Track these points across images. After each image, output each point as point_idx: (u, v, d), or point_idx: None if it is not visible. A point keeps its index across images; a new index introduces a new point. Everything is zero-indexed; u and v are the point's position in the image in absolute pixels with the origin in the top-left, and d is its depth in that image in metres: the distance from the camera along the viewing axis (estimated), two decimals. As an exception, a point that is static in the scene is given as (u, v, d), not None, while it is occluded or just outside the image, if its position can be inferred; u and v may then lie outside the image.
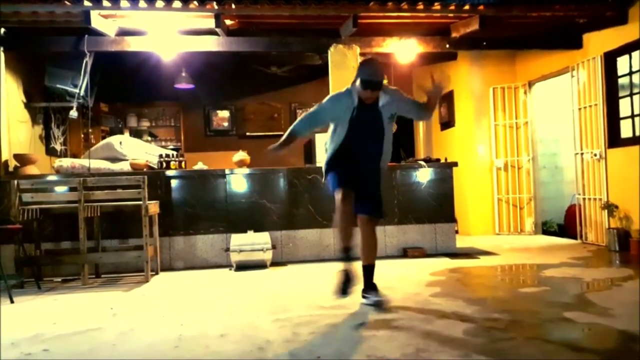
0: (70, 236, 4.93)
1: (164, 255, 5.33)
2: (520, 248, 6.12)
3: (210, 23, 5.31)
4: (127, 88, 8.21)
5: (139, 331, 3.14)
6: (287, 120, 9.10)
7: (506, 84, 7.45)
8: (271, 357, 2.61)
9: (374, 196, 3.57)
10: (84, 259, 4.68)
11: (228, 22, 5.56)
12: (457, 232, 6.46)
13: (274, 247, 5.26)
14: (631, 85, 5.68)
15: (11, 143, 5.59)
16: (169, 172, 5.47)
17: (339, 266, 3.42)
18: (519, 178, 7.39)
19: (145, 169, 5.52)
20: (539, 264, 5.01)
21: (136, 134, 8.66)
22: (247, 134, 8.94)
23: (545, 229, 7.43)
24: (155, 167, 5.61)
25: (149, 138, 8.76)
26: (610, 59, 5.86)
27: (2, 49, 5.51)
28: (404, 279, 4.25)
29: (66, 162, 5.58)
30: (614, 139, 5.84)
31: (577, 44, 6.30)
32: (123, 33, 5.61)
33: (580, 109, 6.32)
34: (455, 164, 5.96)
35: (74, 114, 5.71)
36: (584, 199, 6.34)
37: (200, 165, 5.82)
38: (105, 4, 4.84)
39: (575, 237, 6.57)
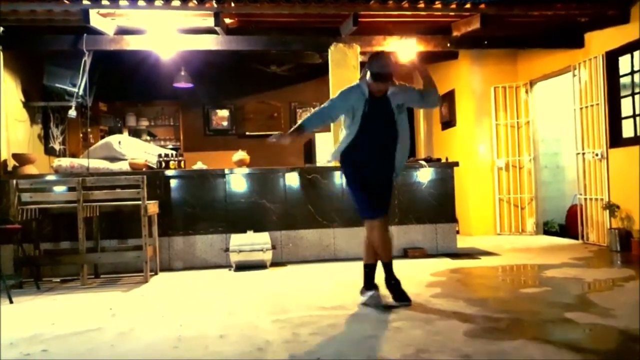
0: (69, 236, 4.92)
1: (163, 255, 5.31)
2: (522, 248, 6.10)
3: (210, 22, 5.30)
4: (126, 87, 8.20)
5: (138, 331, 3.13)
6: (287, 119, 9.09)
7: (507, 83, 7.43)
8: (271, 357, 2.59)
9: (388, 195, 3.63)
10: (83, 259, 4.67)
11: (227, 20, 5.54)
12: (458, 232, 6.44)
13: (273, 247, 5.24)
14: (633, 84, 5.66)
15: (10, 142, 5.58)
16: (168, 172, 5.45)
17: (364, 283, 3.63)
18: (520, 178, 7.37)
19: (144, 169, 5.50)
20: (540, 265, 4.99)
21: (135, 133, 8.65)
22: (247, 133, 8.92)
23: (547, 229, 7.41)
24: (155, 166, 5.59)
25: (148, 137, 8.75)
26: (612, 59, 5.84)
27: (0, 47, 5.49)
28: (405, 280, 4.19)
29: (65, 162, 5.56)
30: (615, 139, 5.82)
31: (579, 43, 6.28)
32: (122, 32, 5.59)
33: (581, 108, 6.30)
34: (456, 164, 5.94)
35: (72, 113, 5.69)
36: (585, 199, 6.32)
37: (199, 165, 5.80)
38: (104, 2, 4.82)
39: (576, 238, 6.55)
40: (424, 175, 5.78)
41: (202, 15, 5.31)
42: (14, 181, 4.64)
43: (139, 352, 2.74)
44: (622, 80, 5.81)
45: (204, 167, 5.78)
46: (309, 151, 8.18)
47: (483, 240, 6.74)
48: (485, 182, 7.49)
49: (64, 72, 5.91)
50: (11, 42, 5.56)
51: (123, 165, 5.56)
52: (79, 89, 5.84)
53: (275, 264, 5.30)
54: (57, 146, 6.90)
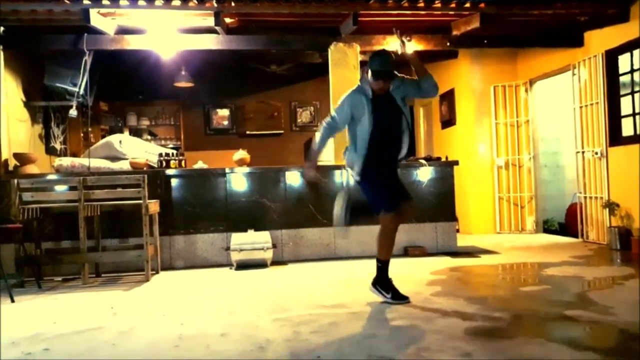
0: (71, 235, 4.92)
1: (164, 254, 5.32)
2: (521, 247, 6.11)
3: (210, 21, 5.30)
4: (127, 87, 8.20)
5: (139, 330, 3.13)
6: (287, 118, 9.10)
7: (507, 82, 7.43)
8: (271, 356, 2.60)
9: (401, 183, 3.71)
10: (84, 258, 4.68)
11: (228, 20, 5.55)
12: (458, 230, 6.45)
13: (274, 246, 5.25)
14: (632, 83, 5.67)
15: (11, 142, 5.59)
16: (169, 171, 5.46)
17: (381, 278, 3.61)
18: (520, 176, 7.38)
19: (145, 168, 5.51)
20: (540, 263, 5.00)
21: (136, 132, 8.65)
22: (247, 132, 8.93)
23: (547, 227, 7.42)
24: (155, 166, 5.60)
25: (149, 137, 8.75)
26: (611, 57, 5.84)
27: (1, 47, 5.50)
28: (405, 278, 4.23)
29: (66, 161, 5.57)
30: (615, 138, 5.83)
31: (579, 42, 6.28)
32: (122, 31, 5.60)
33: (581, 107, 6.30)
34: (456, 163, 5.94)
35: (73, 112, 5.69)
36: (585, 197, 6.33)
37: (200, 164, 5.81)
38: (105, 2, 4.83)
39: (576, 236, 6.56)
40: (424, 174, 5.79)
41: (202, 15, 5.31)
42: (15, 181, 4.65)
43: (140, 351, 2.75)
44: (622, 79, 5.81)
45: (205, 166, 5.78)
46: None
47: (483, 239, 6.75)
48: (485, 181, 7.50)
49: (65, 72, 5.91)
50: (12, 41, 5.56)
51: (124, 165, 5.56)
52: (79, 88, 5.85)
53: (276, 262, 5.31)
54: (58, 146, 6.91)
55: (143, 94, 8.54)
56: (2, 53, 5.51)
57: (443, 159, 6.14)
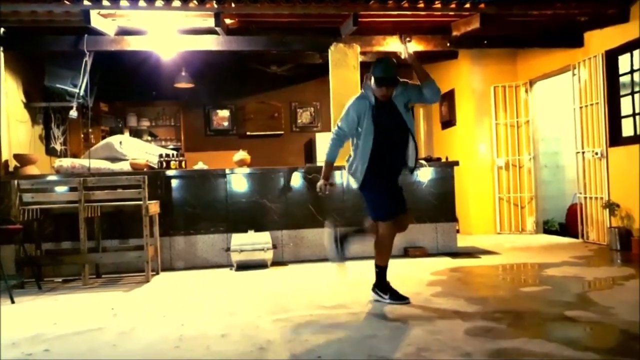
0: (71, 236, 4.93)
1: (165, 255, 5.32)
2: (522, 247, 6.11)
3: (210, 22, 5.30)
4: (127, 87, 8.20)
5: (139, 331, 3.14)
6: (287, 119, 9.09)
7: (507, 82, 7.44)
8: (272, 357, 2.60)
9: (401, 193, 3.70)
10: (84, 259, 4.68)
11: (228, 21, 5.55)
12: (458, 231, 6.45)
13: (274, 246, 5.26)
14: (632, 83, 5.67)
15: (11, 143, 5.59)
16: (169, 172, 5.46)
17: (378, 284, 3.64)
18: (520, 177, 7.38)
19: (145, 169, 5.51)
20: (540, 263, 5.00)
21: (136, 133, 8.65)
22: (248, 133, 8.93)
23: (547, 228, 7.42)
24: (156, 166, 5.60)
25: (149, 138, 8.75)
26: (611, 58, 5.84)
27: (1, 48, 5.51)
28: (405, 279, 4.24)
29: (66, 162, 5.57)
30: (615, 138, 5.83)
31: (579, 42, 6.28)
32: (123, 32, 5.60)
33: (581, 107, 6.30)
34: (456, 163, 5.95)
35: (73, 113, 5.70)
36: (585, 197, 6.33)
37: (200, 165, 5.81)
38: (105, 3, 4.82)
39: (576, 236, 6.56)
40: (424, 175, 5.79)
41: (202, 16, 5.31)
42: (16, 182, 4.65)
43: (140, 352, 2.75)
44: (622, 79, 5.81)
45: (205, 167, 5.78)
46: (309, 151, 8.20)
47: (483, 239, 6.75)
48: (485, 181, 7.50)
49: (65, 73, 5.92)
50: (12, 42, 5.57)
51: (124, 166, 5.56)
52: (80, 89, 5.85)
53: (276, 263, 5.31)
54: (58, 147, 6.91)
55: (143, 94, 8.53)
56: (2, 54, 5.52)
57: (443, 160, 6.14)
